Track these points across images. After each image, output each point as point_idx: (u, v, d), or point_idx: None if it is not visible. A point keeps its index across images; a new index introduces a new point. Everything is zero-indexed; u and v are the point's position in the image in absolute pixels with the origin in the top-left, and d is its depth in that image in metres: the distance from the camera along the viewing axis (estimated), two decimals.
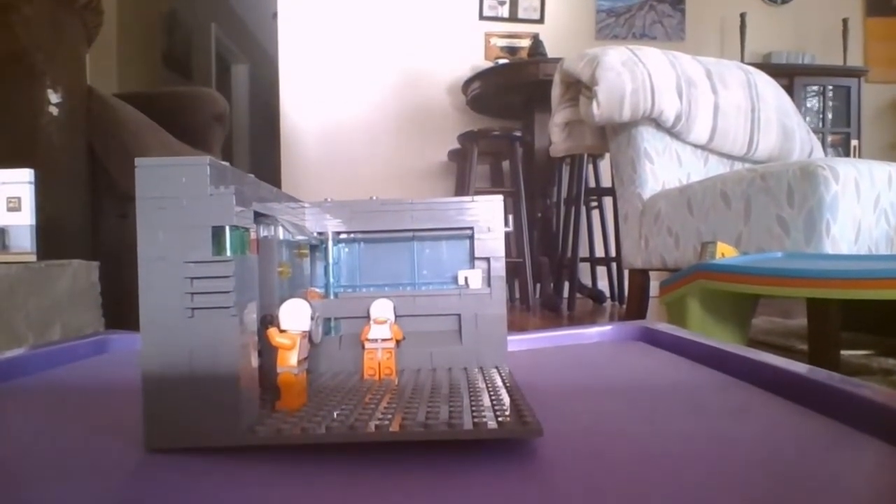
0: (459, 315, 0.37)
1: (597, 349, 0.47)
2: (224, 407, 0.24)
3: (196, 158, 0.24)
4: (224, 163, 0.26)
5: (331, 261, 0.39)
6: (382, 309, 0.34)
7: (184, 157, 0.24)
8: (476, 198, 0.38)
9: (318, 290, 0.39)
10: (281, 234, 0.34)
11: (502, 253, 0.38)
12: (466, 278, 0.38)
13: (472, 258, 0.38)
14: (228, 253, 0.25)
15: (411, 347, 0.37)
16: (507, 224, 0.38)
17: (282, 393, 0.27)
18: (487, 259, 0.38)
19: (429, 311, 0.38)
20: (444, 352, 0.37)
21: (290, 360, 0.27)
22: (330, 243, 0.39)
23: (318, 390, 0.31)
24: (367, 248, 0.40)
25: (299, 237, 0.37)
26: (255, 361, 0.26)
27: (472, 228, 0.38)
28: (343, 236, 0.39)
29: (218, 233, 0.24)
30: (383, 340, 0.34)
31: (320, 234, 0.38)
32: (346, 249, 0.40)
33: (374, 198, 0.38)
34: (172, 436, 0.24)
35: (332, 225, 0.38)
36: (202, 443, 0.24)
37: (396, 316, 0.35)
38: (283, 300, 0.29)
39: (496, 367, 0.36)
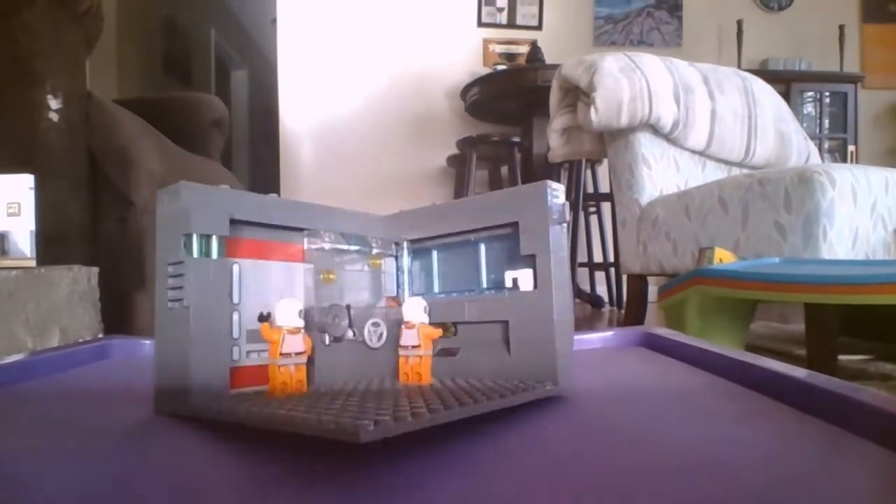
0: (507, 322, 0.34)
1: (599, 354, 0.47)
2: (180, 386, 0.29)
3: (176, 186, 0.29)
4: (202, 185, 0.30)
5: (406, 268, 0.40)
6: (410, 310, 0.34)
7: (172, 186, 0.30)
8: (521, 188, 0.34)
9: (396, 297, 0.40)
10: (326, 244, 0.35)
11: (566, 248, 0.33)
12: (514, 280, 0.34)
13: (522, 257, 0.34)
14: (195, 256, 0.29)
15: (459, 354, 0.36)
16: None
17: (269, 381, 0.31)
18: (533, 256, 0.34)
19: (477, 317, 0.35)
20: (490, 362, 0.34)
21: (277, 352, 0.30)
22: (406, 252, 0.40)
23: (330, 390, 0.31)
24: (437, 255, 0.40)
25: (353, 246, 0.37)
26: (239, 353, 0.31)
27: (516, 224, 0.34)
28: (416, 245, 0.40)
29: (186, 239, 0.29)
30: (413, 347, 0.34)
31: (396, 244, 0.39)
32: (418, 257, 0.40)
33: (435, 203, 0.39)
34: (171, 405, 0.29)
35: (401, 234, 0.39)
36: (189, 412, 0.28)
37: (455, 323, 0.36)
38: (330, 303, 0.32)
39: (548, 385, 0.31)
